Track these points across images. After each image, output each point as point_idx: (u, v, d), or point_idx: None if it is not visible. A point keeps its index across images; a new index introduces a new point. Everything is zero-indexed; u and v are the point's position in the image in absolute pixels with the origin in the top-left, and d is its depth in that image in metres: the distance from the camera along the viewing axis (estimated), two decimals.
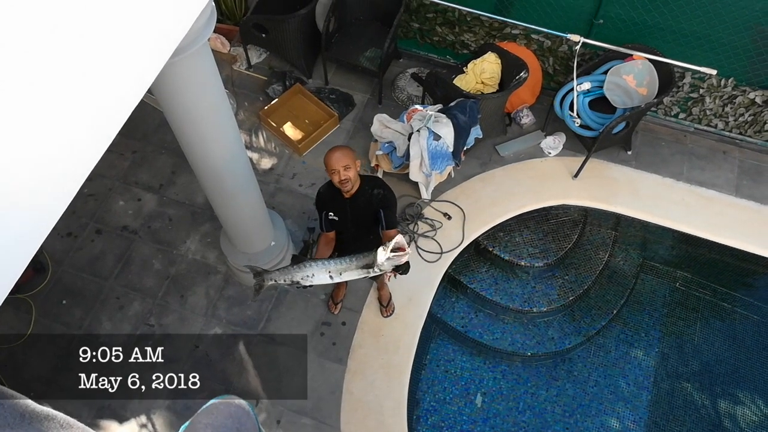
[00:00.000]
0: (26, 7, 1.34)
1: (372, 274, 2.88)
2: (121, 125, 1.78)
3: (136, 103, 1.80)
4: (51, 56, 1.45)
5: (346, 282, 4.34)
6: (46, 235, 1.67)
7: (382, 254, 2.73)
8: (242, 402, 1.84)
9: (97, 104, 1.66)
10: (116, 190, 4.86)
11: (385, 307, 4.32)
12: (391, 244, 2.70)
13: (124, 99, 1.76)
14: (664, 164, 4.96)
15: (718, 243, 4.69)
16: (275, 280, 3.01)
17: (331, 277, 2.92)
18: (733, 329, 4.83)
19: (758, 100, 4.65)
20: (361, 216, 3.23)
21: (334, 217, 3.26)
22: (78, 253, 4.58)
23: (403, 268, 2.85)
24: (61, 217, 1.70)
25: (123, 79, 1.73)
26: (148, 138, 5.09)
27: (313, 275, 2.92)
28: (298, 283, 2.95)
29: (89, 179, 4.85)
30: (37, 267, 4.46)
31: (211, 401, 1.83)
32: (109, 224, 4.71)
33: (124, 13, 1.63)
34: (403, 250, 2.71)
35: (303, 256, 4.52)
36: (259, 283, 3.08)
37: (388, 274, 2.84)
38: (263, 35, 5.11)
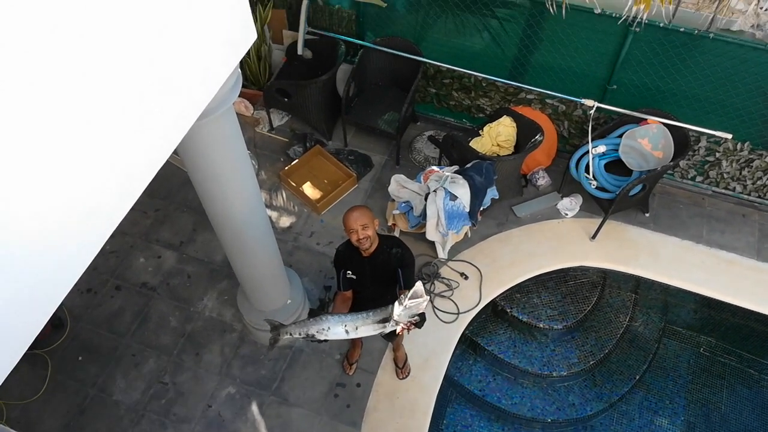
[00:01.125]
0: (62, 65, 1.42)
1: (388, 329, 2.86)
2: (147, 183, 1.84)
3: (163, 163, 1.87)
4: (84, 117, 1.52)
5: (362, 342, 4.31)
6: (67, 292, 1.70)
7: (399, 306, 2.73)
8: None
9: (125, 164, 1.73)
10: (137, 247, 4.94)
11: (401, 368, 4.25)
12: (410, 292, 2.70)
13: (150, 159, 1.83)
14: (682, 227, 4.93)
15: (741, 307, 4.59)
16: (291, 334, 3.01)
17: (346, 331, 2.91)
18: (762, 397, 4.66)
19: None
20: (380, 275, 3.24)
21: (352, 276, 3.27)
22: (97, 309, 4.62)
23: (418, 322, 2.84)
24: (82, 274, 1.74)
25: (151, 140, 1.81)
26: (171, 197, 5.21)
27: (328, 329, 2.92)
28: (313, 336, 2.95)
29: (111, 236, 4.93)
30: (55, 323, 4.50)
31: None
32: (128, 281, 4.77)
33: (154, 77, 1.72)
34: (421, 296, 2.71)
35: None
36: (275, 337, 3.08)
37: (404, 327, 2.82)
38: (286, 99, 5.29)
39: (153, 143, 1.81)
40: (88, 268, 1.74)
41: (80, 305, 4.62)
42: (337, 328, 2.91)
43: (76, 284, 1.72)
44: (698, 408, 4.60)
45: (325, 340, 2.98)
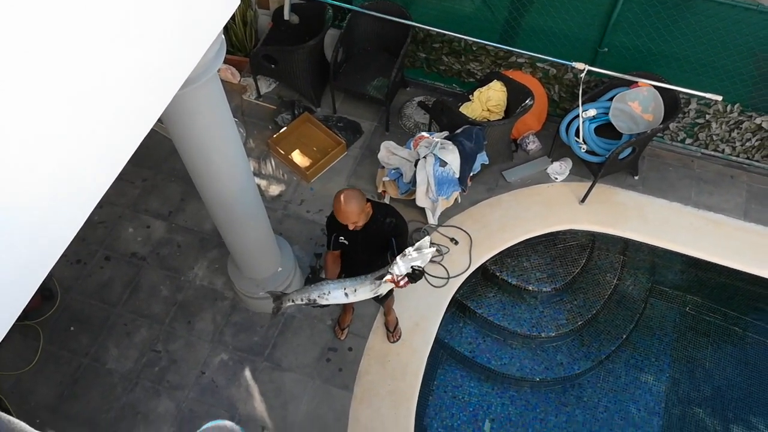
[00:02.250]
0: (39, 35, 1.38)
1: (383, 288, 2.92)
2: (131, 154, 1.82)
3: (146, 133, 1.84)
4: (64, 85, 1.49)
5: (353, 308, 4.35)
6: (54, 263, 1.70)
7: (400, 258, 2.79)
8: (235, 427, 1.85)
9: (108, 133, 1.70)
10: (126, 217, 4.91)
11: (392, 332, 4.30)
12: (417, 243, 2.77)
13: (134, 128, 1.80)
14: (671, 189, 4.96)
15: (727, 267, 4.67)
16: (293, 301, 3.10)
17: (346, 294, 2.99)
18: (745, 354, 4.77)
19: (765, 125, 4.66)
20: (372, 243, 3.26)
21: (344, 241, 3.29)
22: (87, 280, 4.61)
23: (415, 276, 2.87)
24: (70, 244, 1.73)
25: (133, 109, 1.77)
26: (158, 166, 5.16)
27: (329, 293, 3.00)
28: (314, 301, 3.03)
29: (99, 206, 4.90)
30: (45, 294, 4.49)
31: (204, 426, 1.83)
32: (118, 251, 4.75)
33: (136, 45, 1.68)
34: (426, 248, 2.78)
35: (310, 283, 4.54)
36: (278, 306, 3.17)
37: (399, 281, 2.86)
38: (273, 66, 5.20)
39: (135, 112, 1.78)
40: (76, 238, 1.74)
41: (70, 276, 4.61)
42: (337, 292, 2.99)
43: (65, 255, 1.72)
44: (683, 365, 4.72)
45: (327, 305, 3.06)
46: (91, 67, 1.55)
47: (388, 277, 2.85)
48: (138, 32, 1.67)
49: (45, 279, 1.68)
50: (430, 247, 2.80)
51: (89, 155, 1.66)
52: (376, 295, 3.00)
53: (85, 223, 1.76)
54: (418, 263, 2.81)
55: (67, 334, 4.39)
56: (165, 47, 1.82)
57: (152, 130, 1.89)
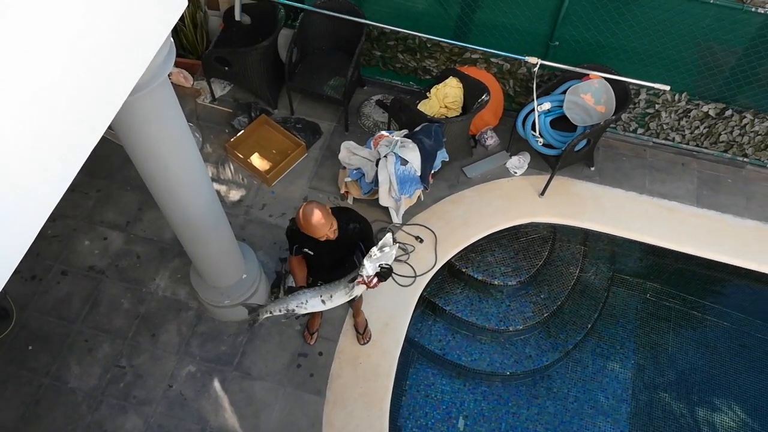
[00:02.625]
0: None
1: (356, 291, 2.95)
2: (81, 163, 1.76)
3: (96, 141, 1.79)
4: (7, 95, 1.43)
5: (321, 312, 4.31)
6: (6, 280, 1.63)
7: (368, 259, 2.85)
8: None
9: (54, 142, 1.64)
10: (81, 229, 4.76)
11: (362, 334, 4.29)
12: (380, 242, 2.84)
13: (82, 137, 1.74)
14: (626, 178, 5.08)
15: (683, 252, 4.80)
16: (271, 312, 3.12)
17: (323, 301, 3.04)
18: (705, 337, 4.92)
19: (711, 113, 4.81)
20: (337, 250, 3.24)
21: (309, 251, 3.24)
22: (43, 296, 4.46)
23: (384, 274, 2.92)
24: (24, 260, 1.67)
25: (81, 117, 1.71)
26: (112, 175, 5.02)
27: (306, 302, 3.05)
28: (293, 311, 3.07)
29: (52, 220, 4.76)
30: (0, 313, 4.32)
31: None
32: (74, 265, 4.60)
33: (80, 50, 1.63)
34: (389, 245, 2.84)
35: (276, 287, 4.49)
36: (254, 318, 3.17)
37: (370, 282, 2.90)
38: (226, 68, 5.12)
39: (82, 122, 1.72)
40: (30, 254, 1.68)
41: (25, 293, 4.45)
42: (315, 300, 3.04)
43: (18, 272, 1.66)
44: (647, 351, 4.83)
45: (305, 314, 3.09)
46: (33, 73, 1.49)
47: (359, 279, 2.89)
48: (81, 38, 1.61)
49: None
50: (393, 244, 2.84)
51: (36, 165, 1.59)
52: (350, 298, 3.02)
53: (38, 237, 1.69)
54: (384, 262, 2.85)
55: (26, 353, 4.24)
56: (111, 52, 1.77)
57: (104, 138, 1.83)
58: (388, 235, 2.86)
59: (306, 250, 3.23)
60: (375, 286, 2.93)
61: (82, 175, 1.79)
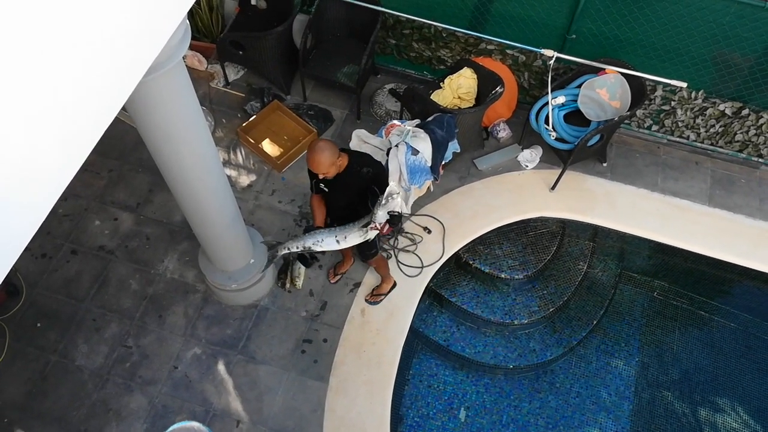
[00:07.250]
0: None
1: (372, 234, 3.20)
2: (94, 144, 1.76)
3: (109, 122, 1.79)
4: (22, 74, 1.43)
5: (353, 260, 4.51)
6: (17, 257, 1.64)
7: (378, 207, 3.08)
8: (203, 427, 1.82)
9: (69, 123, 1.64)
10: (92, 209, 4.79)
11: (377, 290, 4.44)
12: (386, 192, 3.05)
13: (96, 116, 1.74)
14: (638, 175, 5.04)
15: (693, 252, 4.77)
16: (289, 248, 3.35)
17: (337, 241, 3.27)
18: (711, 337, 4.89)
19: (728, 111, 4.76)
20: (349, 191, 3.39)
21: (324, 188, 3.42)
22: (53, 274, 4.49)
23: (395, 220, 3.17)
24: (35, 238, 1.68)
25: (95, 98, 1.72)
26: (124, 157, 5.04)
27: (322, 240, 3.28)
28: (309, 248, 3.30)
29: (64, 199, 4.79)
30: (10, 290, 4.36)
31: (172, 427, 1.81)
32: (84, 245, 4.64)
33: (96, 31, 1.62)
34: (396, 193, 3.07)
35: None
36: (273, 254, 3.43)
37: (382, 228, 3.15)
38: (240, 52, 5.11)
39: (96, 102, 1.72)
40: (41, 232, 1.69)
41: (35, 271, 4.49)
42: (330, 239, 3.27)
43: (29, 249, 1.67)
44: (652, 349, 4.82)
45: (321, 252, 3.32)
46: (50, 52, 1.49)
47: (372, 224, 3.12)
48: (98, 16, 1.61)
49: (9, 274, 1.63)
50: (396, 190, 3.08)
51: (50, 143, 1.60)
52: (365, 240, 3.26)
53: (50, 216, 1.70)
54: (392, 208, 3.08)
55: (34, 330, 4.28)
56: (127, 33, 1.77)
57: (117, 119, 1.83)
58: (392, 184, 3.08)
59: (322, 186, 3.42)
60: (388, 231, 3.13)
61: (94, 155, 1.80)
